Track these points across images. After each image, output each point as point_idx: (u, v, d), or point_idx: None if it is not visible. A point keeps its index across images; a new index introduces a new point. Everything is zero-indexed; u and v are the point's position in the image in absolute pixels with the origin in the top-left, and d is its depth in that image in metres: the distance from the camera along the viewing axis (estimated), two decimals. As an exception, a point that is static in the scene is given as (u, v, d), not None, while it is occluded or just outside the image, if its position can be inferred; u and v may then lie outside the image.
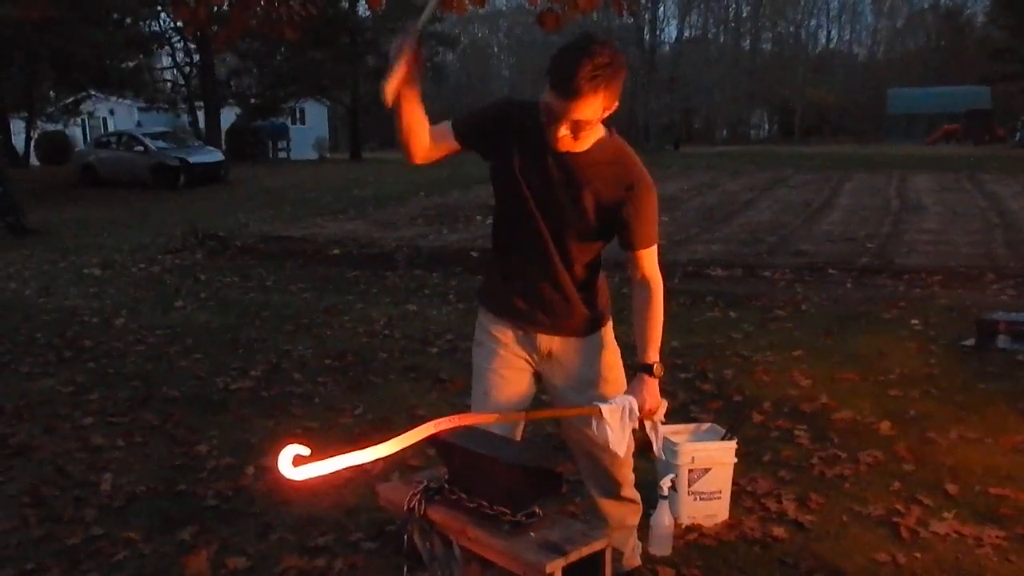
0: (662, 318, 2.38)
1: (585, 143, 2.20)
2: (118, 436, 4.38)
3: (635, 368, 2.40)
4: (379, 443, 1.90)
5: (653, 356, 2.36)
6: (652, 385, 2.35)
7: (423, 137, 2.25)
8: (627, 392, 2.34)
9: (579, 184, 2.25)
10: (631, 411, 2.28)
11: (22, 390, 5.23)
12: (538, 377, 2.54)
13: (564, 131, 2.13)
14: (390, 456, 3.99)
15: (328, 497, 3.55)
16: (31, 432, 4.48)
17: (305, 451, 1.80)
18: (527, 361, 2.49)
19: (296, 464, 1.78)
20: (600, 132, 2.24)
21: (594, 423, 2.27)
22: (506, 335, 2.47)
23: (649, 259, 2.34)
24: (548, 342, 2.46)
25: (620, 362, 2.54)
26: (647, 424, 2.39)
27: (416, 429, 1.91)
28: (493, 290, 2.51)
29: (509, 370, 2.47)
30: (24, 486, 3.77)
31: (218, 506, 3.53)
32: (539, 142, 2.21)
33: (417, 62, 2.10)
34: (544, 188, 2.27)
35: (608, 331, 2.54)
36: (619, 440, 2.28)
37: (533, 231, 2.32)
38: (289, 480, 1.79)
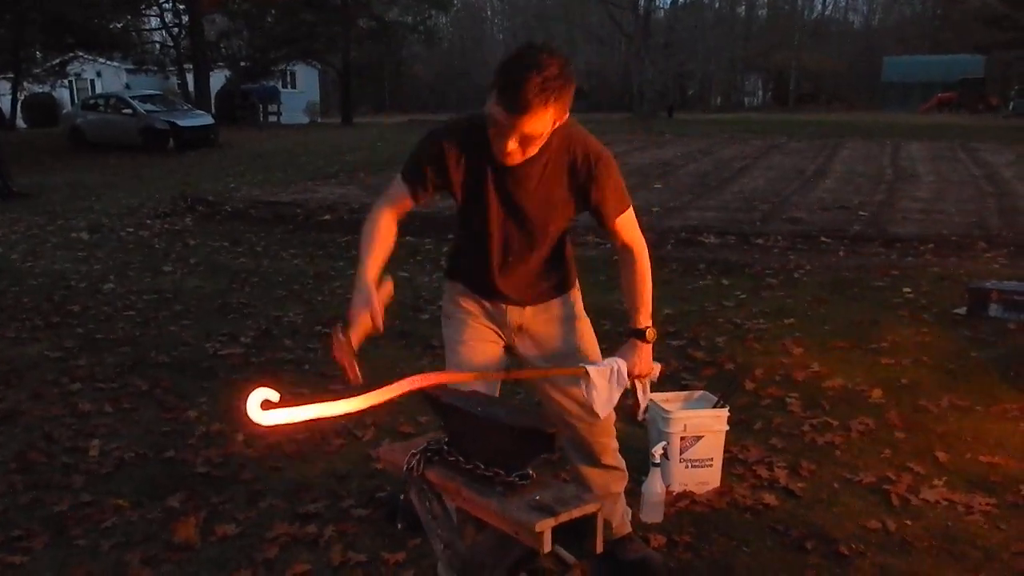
0: (650, 281, 2.36)
1: (533, 152, 2.13)
2: (106, 402, 4.35)
3: (627, 333, 2.37)
4: (352, 397, 1.88)
5: (645, 321, 2.34)
6: (645, 350, 2.33)
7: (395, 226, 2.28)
8: (618, 355, 2.32)
9: (534, 190, 2.20)
10: (619, 374, 2.26)
11: (9, 356, 5.19)
12: (509, 350, 2.51)
13: (513, 145, 2.05)
14: (381, 422, 3.99)
15: (319, 463, 3.54)
16: (18, 398, 4.45)
17: (274, 395, 1.77)
18: (497, 334, 2.47)
19: (264, 408, 1.76)
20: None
21: (582, 384, 2.25)
22: (474, 307, 2.45)
23: (627, 225, 2.30)
24: (519, 315, 2.44)
25: (591, 329, 2.53)
26: (637, 386, 2.37)
27: (390, 386, 1.89)
28: (459, 267, 2.49)
29: (480, 342, 2.45)
30: (11, 452, 3.74)
31: (207, 473, 3.51)
32: (483, 160, 2.15)
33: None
34: (497, 203, 2.22)
35: (576, 295, 2.52)
36: (605, 403, 2.26)
37: (493, 242, 2.29)
38: (256, 423, 1.76)
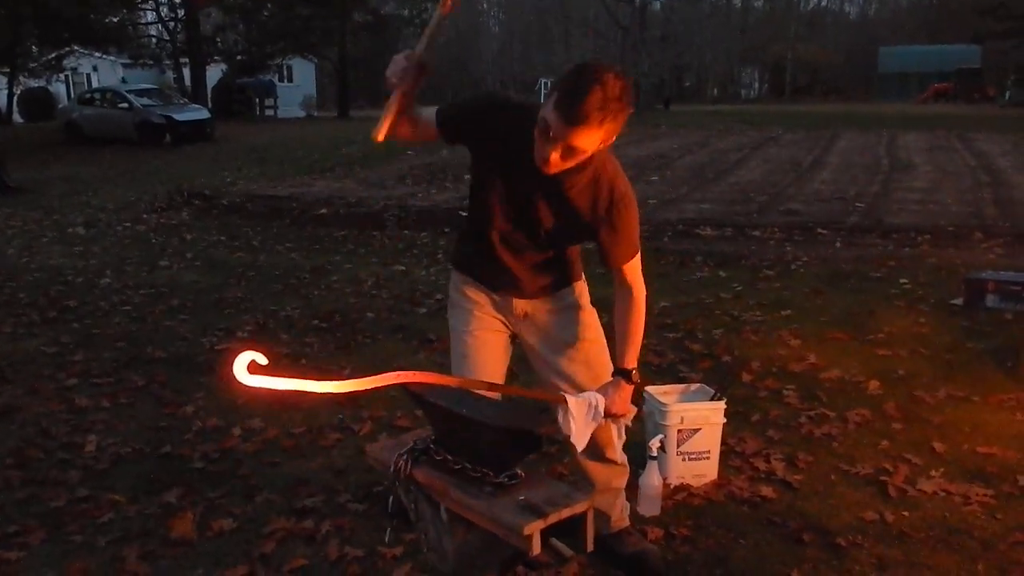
0: (643, 325, 2.36)
1: (569, 166, 2.10)
2: (103, 397, 4.34)
3: (613, 372, 2.38)
4: (341, 380, 1.90)
5: (631, 362, 2.34)
6: (626, 392, 2.33)
7: (409, 128, 2.28)
8: (599, 390, 2.31)
9: (556, 205, 2.19)
10: (597, 409, 2.25)
11: (5, 351, 5.17)
12: (515, 339, 2.52)
13: (555, 155, 2.02)
14: (378, 416, 3.98)
15: (316, 458, 3.53)
16: (14, 393, 4.43)
17: (263, 360, 1.77)
18: (503, 323, 2.48)
19: (251, 371, 1.76)
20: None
21: (559, 412, 2.24)
22: (480, 297, 2.46)
23: (631, 270, 2.29)
24: (523, 304, 2.45)
25: (597, 321, 2.52)
26: (612, 425, 2.38)
27: (379, 376, 1.89)
28: (465, 258, 2.49)
29: (486, 332, 2.46)
30: (7, 448, 3.73)
31: (204, 468, 3.50)
32: (521, 156, 2.12)
33: (415, 89, 2.02)
34: (518, 204, 2.22)
35: (582, 287, 2.51)
36: (581, 435, 2.24)
37: (503, 239, 2.29)
38: (240, 384, 1.76)
